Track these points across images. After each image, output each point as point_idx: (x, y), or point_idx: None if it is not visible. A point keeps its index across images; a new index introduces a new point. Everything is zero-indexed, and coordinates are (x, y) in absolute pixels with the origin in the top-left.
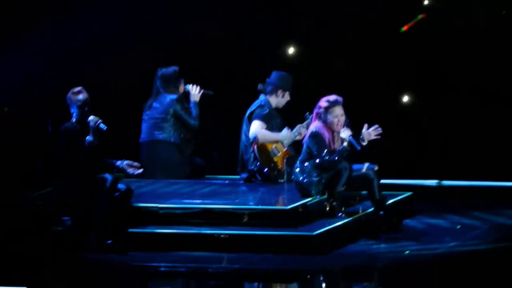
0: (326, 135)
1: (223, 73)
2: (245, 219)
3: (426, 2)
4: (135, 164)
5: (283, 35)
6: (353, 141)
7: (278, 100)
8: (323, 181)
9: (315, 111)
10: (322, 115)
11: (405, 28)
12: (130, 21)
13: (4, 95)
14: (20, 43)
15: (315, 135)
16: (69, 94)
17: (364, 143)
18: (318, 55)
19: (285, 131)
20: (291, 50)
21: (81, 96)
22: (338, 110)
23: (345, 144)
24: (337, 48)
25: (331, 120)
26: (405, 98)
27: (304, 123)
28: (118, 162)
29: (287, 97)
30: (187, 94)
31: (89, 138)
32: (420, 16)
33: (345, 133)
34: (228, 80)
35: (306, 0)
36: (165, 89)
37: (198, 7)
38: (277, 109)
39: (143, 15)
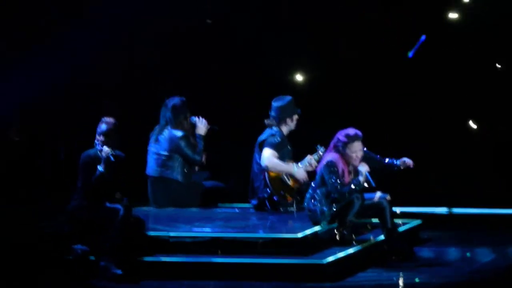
0: (341, 166)
1: (232, 100)
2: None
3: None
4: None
5: (292, 61)
6: (369, 177)
7: (289, 126)
8: (333, 210)
9: (332, 143)
10: (341, 149)
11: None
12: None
13: (14, 116)
14: (24, 52)
15: (331, 165)
16: (100, 121)
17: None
18: (326, 81)
19: (298, 169)
20: (299, 77)
21: (104, 126)
22: (357, 146)
23: (360, 178)
24: (346, 74)
25: (349, 154)
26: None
27: (315, 154)
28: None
29: (295, 118)
30: (193, 126)
31: (99, 168)
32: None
33: (363, 168)
34: (237, 107)
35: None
36: (175, 121)
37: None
38: (288, 136)
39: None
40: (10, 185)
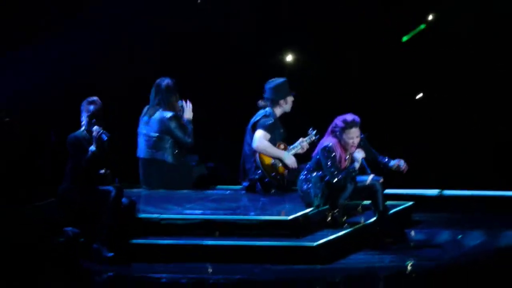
0: (338, 152)
1: (223, 81)
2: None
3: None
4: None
5: (283, 42)
6: (365, 164)
7: (283, 108)
8: (326, 193)
9: (330, 127)
10: (338, 134)
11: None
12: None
13: (6, 103)
14: (23, 52)
15: (328, 150)
16: (83, 103)
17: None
18: (318, 63)
19: (287, 154)
20: (289, 58)
21: (92, 107)
22: (355, 132)
23: (355, 164)
24: (338, 56)
25: (346, 140)
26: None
27: (307, 138)
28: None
29: (290, 100)
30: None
31: (91, 148)
32: (422, 27)
33: (359, 154)
34: (229, 89)
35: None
36: (167, 101)
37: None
38: (281, 118)
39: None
40: (10, 185)
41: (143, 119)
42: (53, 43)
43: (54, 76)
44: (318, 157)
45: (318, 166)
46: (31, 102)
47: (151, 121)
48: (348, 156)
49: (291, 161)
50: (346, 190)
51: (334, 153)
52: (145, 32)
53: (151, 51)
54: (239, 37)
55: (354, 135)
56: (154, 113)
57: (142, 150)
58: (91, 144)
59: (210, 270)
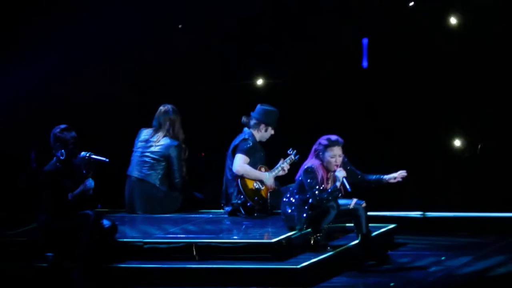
0: (320, 173)
1: (206, 104)
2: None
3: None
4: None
5: (266, 67)
6: (346, 183)
7: (262, 134)
8: (309, 217)
9: (314, 147)
10: (320, 153)
11: None
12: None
13: None
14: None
15: (310, 171)
16: (57, 132)
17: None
18: (301, 87)
19: (269, 176)
20: (260, 82)
21: (70, 134)
22: (337, 151)
23: (337, 184)
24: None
25: (328, 159)
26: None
27: (287, 159)
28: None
29: (270, 131)
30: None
31: (89, 183)
32: None
33: (340, 173)
34: (211, 112)
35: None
36: (175, 128)
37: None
38: (261, 142)
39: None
40: None
41: (143, 140)
42: (30, 60)
43: (29, 95)
44: (300, 179)
45: (301, 189)
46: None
47: (157, 145)
48: (330, 177)
49: (271, 182)
50: (329, 215)
51: (316, 174)
52: (125, 52)
53: (129, 71)
54: (219, 57)
55: (336, 154)
56: (160, 137)
57: (134, 169)
58: (69, 173)
59: None
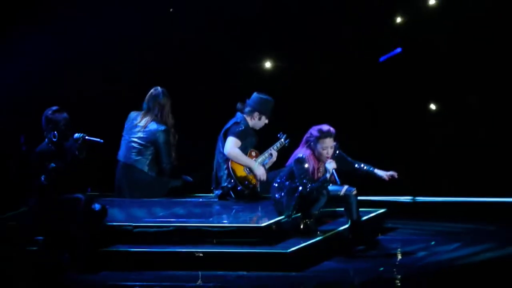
0: (312, 163)
1: (199, 88)
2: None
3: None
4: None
5: (259, 50)
6: (335, 175)
7: (255, 122)
8: (299, 204)
9: (305, 136)
10: (312, 143)
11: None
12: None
13: None
14: None
15: (301, 161)
16: (49, 114)
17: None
18: (294, 71)
19: (257, 165)
20: (268, 65)
21: (64, 115)
22: (329, 142)
23: (327, 175)
24: (313, 64)
25: (319, 150)
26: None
27: (277, 143)
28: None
29: (264, 120)
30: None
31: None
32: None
33: (330, 165)
34: (204, 97)
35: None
36: (163, 113)
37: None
38: (253, 128)
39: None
40: None
41: (131, 124)
42: (17, 48)
43: (21, 82)
44: (291, 166)
45: (291, 176)
46: None
47: (144, 130)
48: (320, 167)
49: (260, 172)
50: (319, 201)
51: (307, 164)
52: (118, 40)
53: (124, 58)
54: (211, 45)
55: (328, 145)
56: (147, 122)
57: (123, 154)
58: (60, 155)
59: (184, 277)
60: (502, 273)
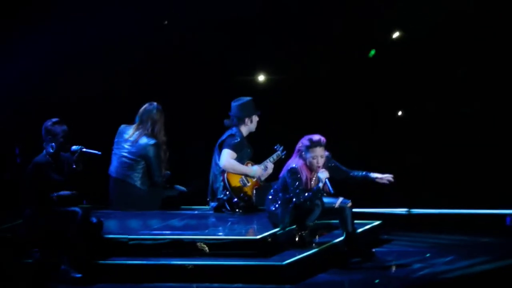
0: (304, 173)
1: (193, 100)
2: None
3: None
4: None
5: (254, 63)
6: (329, 184)
7: (248, 127)
8: (293, 215)
9: (297, 147)
10: (303, 153)
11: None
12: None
13: None
14: None
15: (294, 172)
16: (48, 125)
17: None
18: (287, 83)
19: (256, 168)
20: (261, 78)
21: (61, 128)
22: (319, 151)
23: (320, 185)
24: (306, 75)
25: (310, 160)
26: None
27: (274, 155)
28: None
29: (255, 119)
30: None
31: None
32: (373, 52)
33: (322, 175)
34: (199, 109)
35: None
36: (156, 128)
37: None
38: (248, 138)
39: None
40: None
41: (121, 138)
42: (11, 55)
43: (13, 90)
44: (284, 177)
45: (285, 188)
46: None
47: (135, 145)
48: (313, 177)
49: (258, 173)
50: (313, 213)
51: (299, 175)
52: (111, 49)
53: (116, 66)
54: (205, 55)
55: (318, 154)
56: (138, 136)
57: (114, 169)
58: (58, 167)
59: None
60: (497, 286)
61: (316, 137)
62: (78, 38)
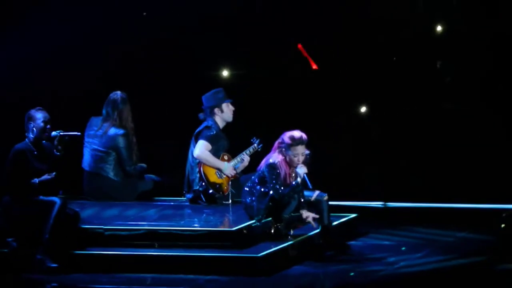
0: (283, 169)
1: (169, 92)
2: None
3: None
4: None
5: (222, 57)
6: (307, 179)
7: (222, 116)
8: (270, 208)
9: (277, 142)
10: (284, 150)
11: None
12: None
13: None
14: None
15: (273, 167)
16: (30, 112)
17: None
18: (254, 77)
19: (227, 165)
20: (225, 73)
21: (42, 114)
22: (300, 149)
23: (298, 180)
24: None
25: (291, 157)
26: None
27: (250, 148)
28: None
29: (227, 108)
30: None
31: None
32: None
33: (301, 170)
34: (175, 101)
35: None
36: (122, 117)
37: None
38: (225, 130)
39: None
40: None
41: (92, 131)
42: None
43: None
44: (262, 171)
45: (262, 181)
46: None
47: (104, 137)
48: (292, 172)
49: (229, 172)
50: (290, 205)
51: (279, 170)
52: (90, 42)
53: (94, 61)
54: (183, 48)
55: (299, 152)
56: (107, 128)
57: (87, 163)
58: (39, 155)
59: (150, 281)
60: (471, 280)
61: (297, 134)
62: (73, 33)
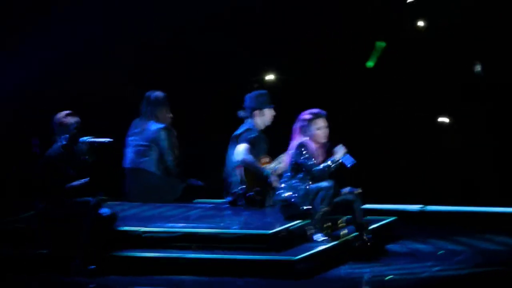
0: (313, 146)
1: (209, 95)
2: None
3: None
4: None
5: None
6: (346, 159)
7: (262, 119)
8: (310, 196)
9: (297, 125)
10: (306, 128)
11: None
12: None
13: None
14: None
15: (302, 145)
16: (60, 117)
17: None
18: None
19: (269, 172)
20: (269, 77)
21: (73, 119)
22: (321, 122)
23: (336, 156)
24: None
25: (314, 132)
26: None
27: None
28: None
29: (269, 113)
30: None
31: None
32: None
33: (340, 149)
34: (215, 103)
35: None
36: (158, 114)
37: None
38: (265, 132)
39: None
40: None
41: (133, 130)
42: (26, 49)
43: (27, 83)
44: (293, 161)
45: (296, 170)
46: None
47: (144, 132)
48: (321, 151)
49: (271, 180)
50: (327, 195)
51: (309, 147)
52: (123, 43)
53: (127, 62)
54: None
55: (321, 125)
56: (146, 124)
57: (128, 160)
58: (71, 159)
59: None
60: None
61: (315, 110)
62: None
